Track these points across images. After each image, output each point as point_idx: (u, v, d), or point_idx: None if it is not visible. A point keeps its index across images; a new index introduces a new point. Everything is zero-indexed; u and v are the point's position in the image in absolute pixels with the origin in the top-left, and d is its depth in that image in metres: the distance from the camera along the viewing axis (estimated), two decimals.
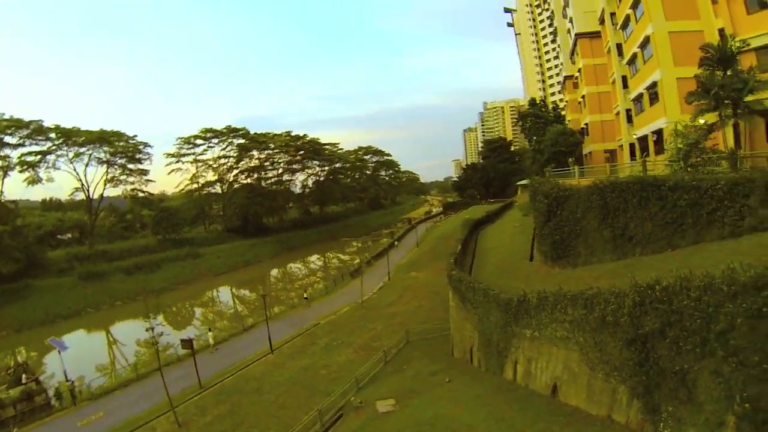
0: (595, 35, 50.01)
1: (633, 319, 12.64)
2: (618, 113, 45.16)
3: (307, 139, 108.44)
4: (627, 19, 36.34)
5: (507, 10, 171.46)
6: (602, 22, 46.48)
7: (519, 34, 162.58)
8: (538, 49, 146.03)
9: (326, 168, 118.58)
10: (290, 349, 31.61)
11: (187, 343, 27.14)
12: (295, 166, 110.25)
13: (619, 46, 41.95)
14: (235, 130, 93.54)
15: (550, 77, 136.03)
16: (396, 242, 70.01)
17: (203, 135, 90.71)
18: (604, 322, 13.66)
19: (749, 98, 20.50)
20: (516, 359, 18.12)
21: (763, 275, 9.64)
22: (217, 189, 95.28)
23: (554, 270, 23.72)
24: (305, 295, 44.78)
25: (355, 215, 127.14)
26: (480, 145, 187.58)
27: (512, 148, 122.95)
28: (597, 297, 14.03)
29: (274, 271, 75.41)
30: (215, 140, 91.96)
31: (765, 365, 9.22)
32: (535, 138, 62.98)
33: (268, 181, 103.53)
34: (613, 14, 42.48)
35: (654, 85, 31.82)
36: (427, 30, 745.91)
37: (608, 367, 13.42)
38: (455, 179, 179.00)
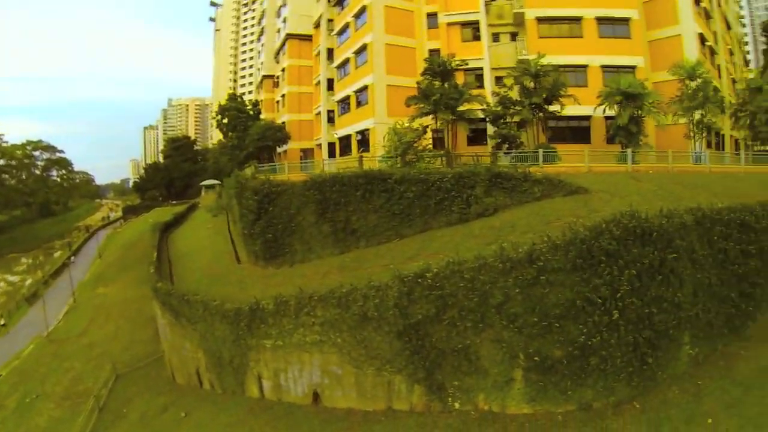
0: (306, 38, 53.76)
1: (401, 310, 12.77)
2: (319, 113, 49.74)
3: None
4: (346, 26, 40.68)
5: (213, 4, 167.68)
6: (318, 26, 50.26)
7: (219, 30, 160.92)
8: (236, 48, 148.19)
9: None
10: None
11: None
12: None
13: (330, 51, 46.31)
14: None
15: (243, 77, 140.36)
16: (73, 256, 63.37)
17: None
18: (366, 318, 13.49)
19: (462, 108, 25.55)
20: (259, 374, 16.77)
21: (535, 249, 11.48)
22: None
23: (269, 270, 23.45)
24: (2, 322, 41.66)
25: (23, 225, 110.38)
26: (162, 144, 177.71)
27: (195, 148, 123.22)
28: (353, 294, 13.85)
29: None
30: None
31: (543, 323, 11.18)
32: (231, 134, 61.32)
33: None
34: (331, 20, 46.63)
35: (364, 88, 36.56)
36: (114, 13, 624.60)
37: (378, 362, 13.54)
38: (136, 180, 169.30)
